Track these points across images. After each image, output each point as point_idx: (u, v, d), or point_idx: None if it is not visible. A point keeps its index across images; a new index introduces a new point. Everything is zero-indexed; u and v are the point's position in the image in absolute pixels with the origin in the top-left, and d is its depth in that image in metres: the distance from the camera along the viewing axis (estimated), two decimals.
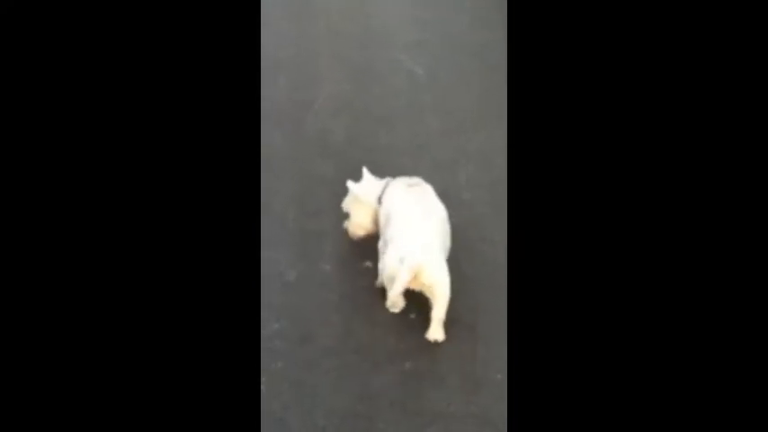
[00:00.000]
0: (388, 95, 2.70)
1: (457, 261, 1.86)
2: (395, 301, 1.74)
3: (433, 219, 1.73)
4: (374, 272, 1.88)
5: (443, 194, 1.90)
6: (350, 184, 1.86)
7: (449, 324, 1.76)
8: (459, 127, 2.52)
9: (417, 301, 1.79)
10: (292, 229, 2.08)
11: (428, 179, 1.93)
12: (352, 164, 2.29)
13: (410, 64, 2.86)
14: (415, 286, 1.66)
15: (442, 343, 1.75)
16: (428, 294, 1.69)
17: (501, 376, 1.65)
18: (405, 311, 1.83)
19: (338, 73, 2.79)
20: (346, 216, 1.93)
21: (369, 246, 1.91)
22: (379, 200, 1.81)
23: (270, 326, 1.78)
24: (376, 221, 1.84)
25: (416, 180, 1.85)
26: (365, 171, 1.90)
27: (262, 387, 1.63)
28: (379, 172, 1.97)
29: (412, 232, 1.67)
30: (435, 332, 1.70)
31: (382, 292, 1.82)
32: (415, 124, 2.56)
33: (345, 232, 1.93)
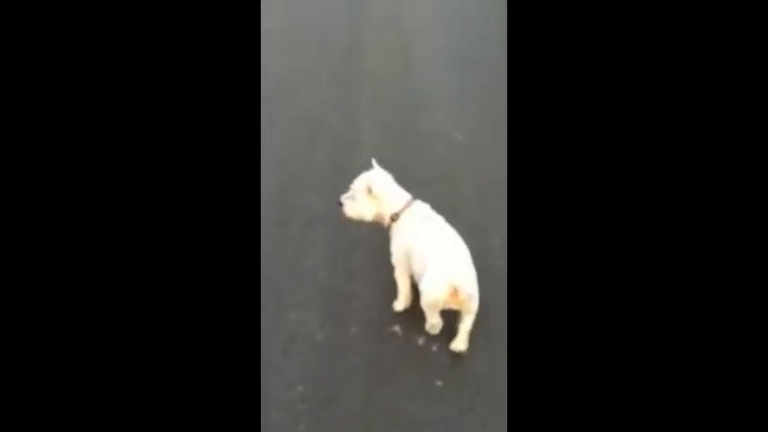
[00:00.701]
0: (427, 160, 2.76)
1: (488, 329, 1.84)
2: (434, 323, 1.82)
3: (460, 241, 1.81)
4: (401, 336, 1.88)
5: (476, 259, 1.87)
6: (375, 165, 1.91)
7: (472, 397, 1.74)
8: (496, 193, 2.53)
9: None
10: (323, 290, 2.11)
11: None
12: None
13: (450, 129, 2.92)
14: (453, 303, 1.74)
15: (467, 414, 1.71)
16: (460, 308, 1.77)
17: None
18: (427, 352, 1.84)
19: (378, 137, 2.88)
20: (351, 198, 1.90)
21: (397, 312, 2.01)
22: (394, 216, 1.86)
23: (294, 388, 1.79)
24: (376, 216, 1.89)
25: (428, 211, 1.89)
26: (374, 163, 1.92)
27: None
28: None
29: (447, 254, 1.75)
30: (460, 343, 1.82)
31: (405, 350, 1.82)
32: (451, 188, 2.59)
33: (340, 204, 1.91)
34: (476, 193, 2.55)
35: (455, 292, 1.69)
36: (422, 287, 1.76)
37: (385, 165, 1.98)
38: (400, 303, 1.98)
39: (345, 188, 1.93)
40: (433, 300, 1.73)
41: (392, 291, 2.01)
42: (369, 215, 1.88)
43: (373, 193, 1.84)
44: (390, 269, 1.97)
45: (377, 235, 2.10)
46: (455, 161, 2.74)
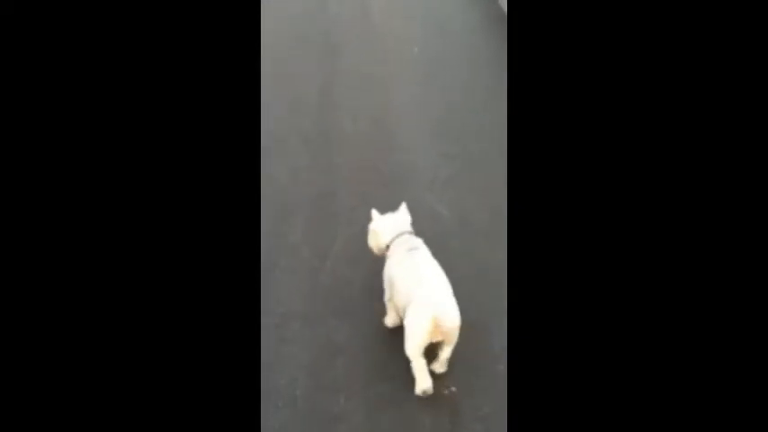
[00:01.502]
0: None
1: None
2: (425, 388, 1.83)
3: (442, 275, 1.88)
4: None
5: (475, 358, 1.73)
6: (374, 214, 2.13)
7: None
8: (489, 279, 2.32)
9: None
10: (301, 409, 1.85)
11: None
12: (373, 325, 2.08)
13: (434, 203, 2.72)
14: (436, 336, 1.79)
15: None
16: (442, 339, 1.82)
17: None
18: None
19: (359, 213, 2.65)
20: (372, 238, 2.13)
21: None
22: (387, 246, 2.04)
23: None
24: (378, 249, 2.11)
25: (417, 243, 2.00)
26: (404, 206, 2.15)
27: None
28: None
29: (428, 289, 1.80)
30: (441, 366, 1.89)
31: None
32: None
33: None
34: (466, 275, 2.34)
35: (439, 325, 1.75)
36: (406, 321, 1.80)
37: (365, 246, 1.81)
38: (390, 320, 2.06)
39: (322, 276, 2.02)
40: (417, 336, 1.77)
41: None
42: (375, 248, 2.11)
43: (372, 230, 2.08)
44: None
45: (361, 337, 1.85)
46: (441, 239, 2.53)
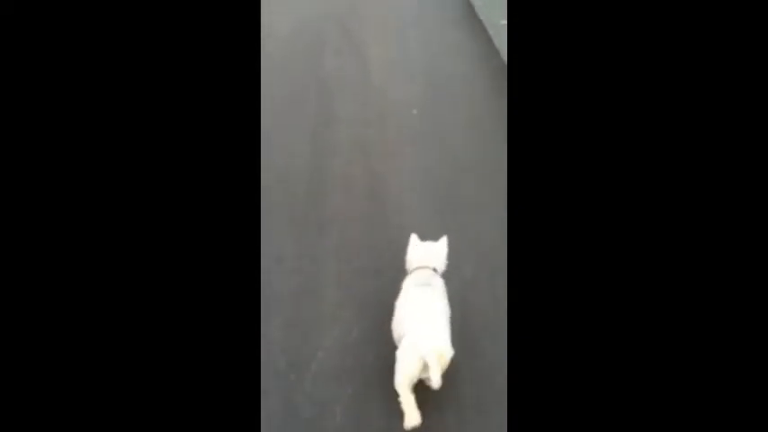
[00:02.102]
0: None
1: None
2: (413, 416, 1.83)
3: (444, 315, 1.92)
4: None
5: None
6: (414, 238, 2.23)
7: None
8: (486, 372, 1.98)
9: None
10: None
11: None
12: None
13: None
14: (425, 374, 1.80)
15: None
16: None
17: None
18: None
19: (346, 312, 2.33)
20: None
21: None
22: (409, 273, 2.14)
23: None
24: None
25: (432, 280, 2.04)
26: (444, 240, 2.21)
27: None
28: None
29: (422, 329, 1.83)
30: (434, 384, 1.80)
31: None
32: None
33: None
34: (468, 377, 1.99)
35: (428, 365, 1.76)
36: (397, 354, 1.84)
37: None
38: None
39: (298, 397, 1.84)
40: (406, 372, 1.81)
41: None
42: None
43: (408, 253, 2.17)
44: None
45: None
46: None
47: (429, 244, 2.17)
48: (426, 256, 2.13)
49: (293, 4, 5.99)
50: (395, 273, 2.50)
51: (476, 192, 3.09)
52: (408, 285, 2.04)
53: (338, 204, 2.99)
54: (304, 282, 2.49)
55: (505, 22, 5.27)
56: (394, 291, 2.13)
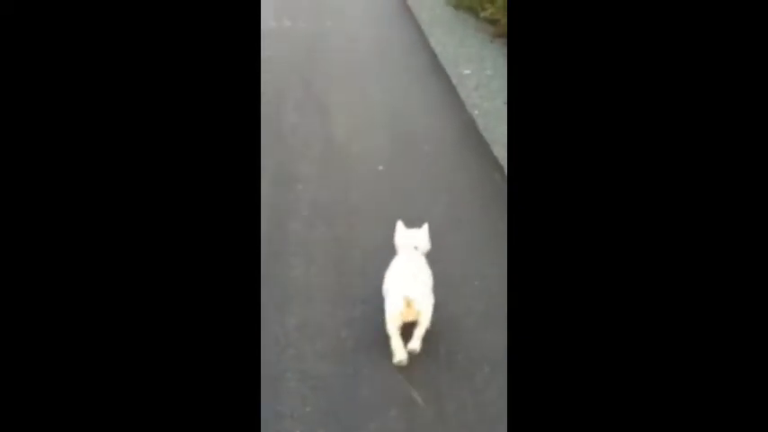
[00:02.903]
0: None
1: None
2: (400, 356, 2.19)
3: (423, 272, 2.33)
4: None
5: None
6: (400, 224, 2.56)
7: None
8: None
9: None
10: None
11: None
12: None
13: (404, 385, 2.13)
14: (409, 316, 2.20)
15: None
16: (416, 319, 2.23)
17: None
18: None
19: (310, 408, 2.04)
20: None
21: None
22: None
23: None
24: None
25: (410, 254, 2.41)
26: (425, 227, 2.53)
27: None
28: None
29: (403, 277, 2.27)
30: (414, 344, 2.22)
31: None
32: None
33: None
34: None
35: (409, 304, 2.14)
36: (385, 305, 2.22)
37: None
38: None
39: None
40: (392, 313, 2.18)
41: None
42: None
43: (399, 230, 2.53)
44: None
45: None
46: None
47: (414, 230, 2.51)
48: (410, 238, 2.47)
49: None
50: (361, 356, 2.24)
51: (448, 258, 2.87)
52: (398, 257, 2.41)
53: (297, 278, 2.72)
54: (263, 368, 2.21)
55: (469, 71, 5.20)
56: (359, 381, 1.85)
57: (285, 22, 7.02)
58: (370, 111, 4.60)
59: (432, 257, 2.48)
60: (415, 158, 3.86)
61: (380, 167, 3.73)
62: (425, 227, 2.52)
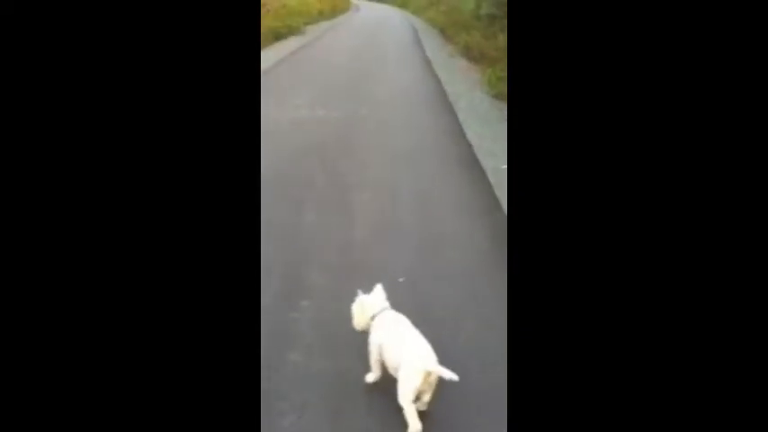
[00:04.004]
0: None
1: None
2: (416, 423, 2.15)
3: (422, 336, 2.28)
4: None
5: None
6: (359, 293, 2.52)
7: None
8: None
9: None
10: None
11: None
12: None
13: None
14: (424, 387, 2.17)
15: None
16: (429, 389, 2.21)
17: None
18: None
19: None
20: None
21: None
22: (372, 318, 2.44)
23: None
24: (364, 324, 2.48)
25: (399, 317, 2.42)
26: (379, 287, 2.53)
27: None
28: None
29: (421, 349, 2.21)
30: (422, 406, 2.24)
31: None
32: None
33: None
34: None
35: (428, 377, 2.14)
36: (400, 376, 2.18)
37: None
38: (372, 377, 2.43)
39: None
40: (411, 388, 2.14)
41: None
42: (361, 324, 2.49)
43: (363, 306, 2.47)
44: None
45: None
46: None
47: (371, 294, 2.51)
48: (380, 300, 2.47)
49: (277, 135, 5.63)
50: None
51: (472, 392, 2.34)
52: (384, 325, 2.39)
53: (286, 429, 2.23)
54: None
55: (506, 166, 4.80)
56: None
57: (318, 110, 6.90)
58: (397, 210, 4.22)
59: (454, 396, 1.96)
60: (440, 269, 3.40)
61: (401, 279, 3.28)
62: (379, 287, 2.53)
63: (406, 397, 2.16)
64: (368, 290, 2.55)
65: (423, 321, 2.80)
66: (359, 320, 2.50)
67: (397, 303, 2.85)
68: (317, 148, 5.53)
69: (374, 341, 2.40)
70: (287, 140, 5.73)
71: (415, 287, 3.19)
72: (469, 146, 5.47)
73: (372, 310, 2.45)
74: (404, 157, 5.37)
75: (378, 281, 3.20)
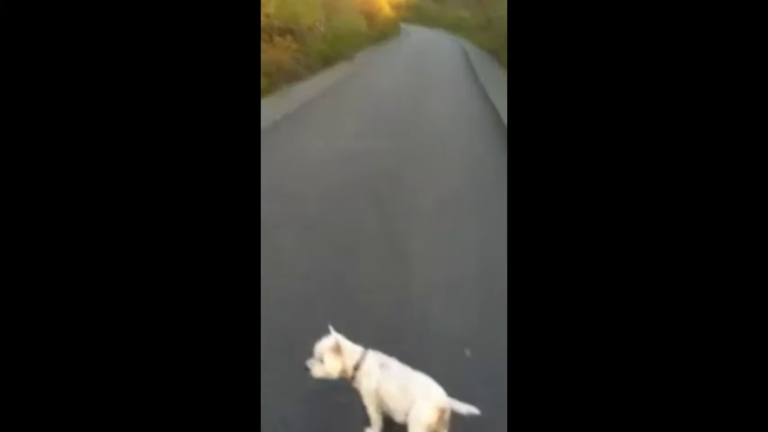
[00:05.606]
0: None
1: None
2: None
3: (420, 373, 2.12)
4: None
5: None
6: (332, 331, 2.20)
7: None
8: None
9: None
10: None
11: None
12: None
13: None
14: (439, 426, 2.00)
15: None
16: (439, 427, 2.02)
17: None
18: None
19: None
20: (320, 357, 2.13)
21: None
22: (356, 366, 2.15)
23: None
24: (341, 371, 2.17)
25: (384, 359, 2.18)
26: (330, 328, 2.22)
27: None
28: None
29: (421, 386, 2.06)
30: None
31: None
32: None
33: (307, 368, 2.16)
34: None
35: (442, 414, 1.99)
36: (412, 416, 2.00)
37: None
38: (374, 430, 2.21)
39: None
40: (423, 425, 1.98)
41: None
42: (335, 371, 2.15)
43: (340, 350, 2.14)
44: None
45: None
46: None
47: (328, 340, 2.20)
48: (355, 346, 2.23)
49: (324, 168, 5.23)
50: None
51: None
52: (375, 371, 2.14)
53: None
54: None
55: None
56: None
57: (368, 141, 6.49)
58: (461, 261, 3.71)
59: None
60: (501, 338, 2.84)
61: (468, 352, 2.75)
62: (332, 331, 2.22)
63: None
64: (431, 367, 2.05)
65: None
66: (332, 368, 2.15)
67: (463, 386, 2.29)
68: (366, 184, 5.11)
69: (368, 390, 2.15)
70: (329, 173, 5.35)
71: (485, 364, 2.65)
72: None
73: (353, 355, 2.15)
74: (465, 196, 4.86)
75: (439, 356, 2.69)
